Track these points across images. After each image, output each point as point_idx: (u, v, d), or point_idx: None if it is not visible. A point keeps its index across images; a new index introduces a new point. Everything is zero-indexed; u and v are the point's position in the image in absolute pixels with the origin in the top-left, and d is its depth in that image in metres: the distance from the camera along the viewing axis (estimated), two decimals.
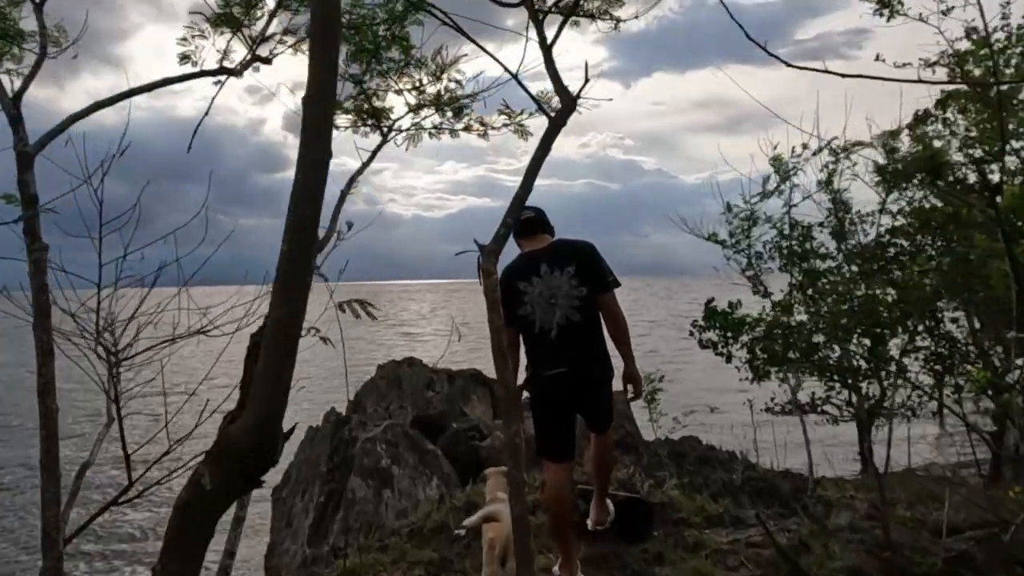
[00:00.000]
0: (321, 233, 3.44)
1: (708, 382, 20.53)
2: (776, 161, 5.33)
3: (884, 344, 9.27)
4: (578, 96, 2.43)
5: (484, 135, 4.46)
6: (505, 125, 4.32)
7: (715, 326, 11.45)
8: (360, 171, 4.55)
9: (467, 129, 4.48)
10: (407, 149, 4.57)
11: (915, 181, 6.15)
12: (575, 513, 3.75)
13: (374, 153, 4.58)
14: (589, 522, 3.92)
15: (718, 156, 6.23)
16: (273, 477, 10.98)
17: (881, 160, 6.45)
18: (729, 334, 10.48)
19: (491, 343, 2.26)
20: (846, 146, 5.11)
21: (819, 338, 5.17)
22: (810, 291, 7.02)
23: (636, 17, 3.15)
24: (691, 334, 12.04)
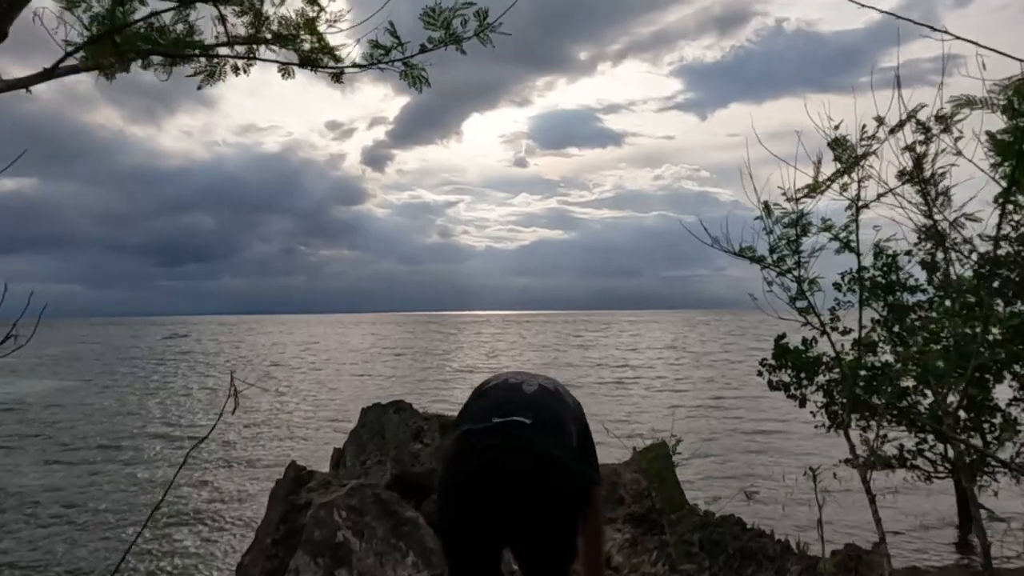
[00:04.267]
0: None
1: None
2: (838, 144, 3.62)
3: (987, 391, 7.31)
4: None
5: (338, 78, 2.98)
6: (375, 64, 2.85)
7: (787, 365, 9.62)
8: None
9: (309, 63, 2.97)
10: (200, 87, 3.14)
11: None
12: None
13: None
14: None
15: (797, 184, 4.64)
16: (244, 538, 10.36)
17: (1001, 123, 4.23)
18: (803, 375, 8.69)
19: None
20: (944, 114, 3.32)
21: (908, 382, 3.83)
22: (896, 328, 5.37)
23: None
24: (759, 374, 10.23)
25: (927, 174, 3.03)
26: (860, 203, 3.52)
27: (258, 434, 20.64)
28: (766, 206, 3.62)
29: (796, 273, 3.71)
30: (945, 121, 3.12)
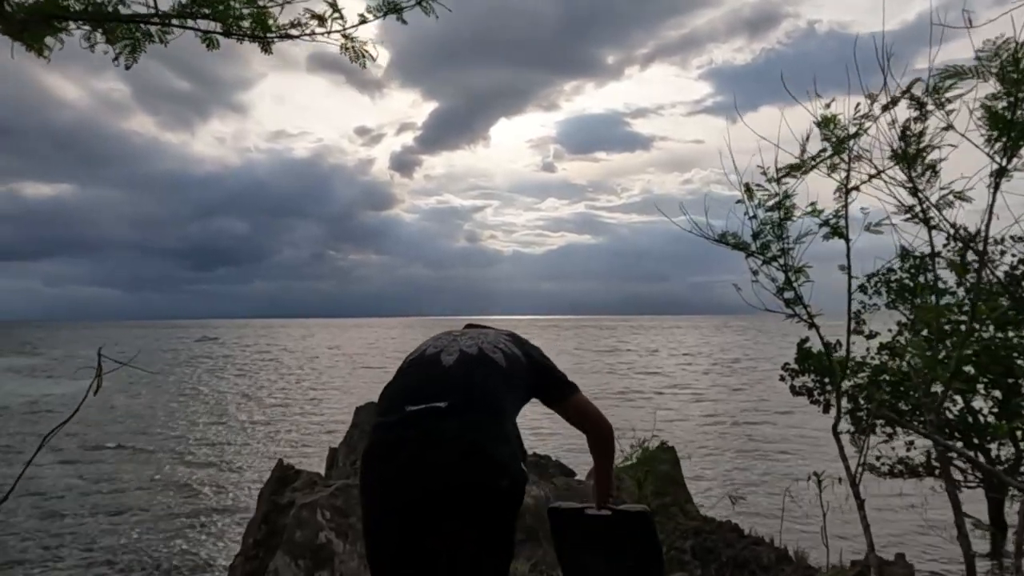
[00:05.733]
0: None
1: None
2: (827, 123, 3.30)
3: (1020, 396, 6.92)
4: None
5: (266, 46, 2.75)
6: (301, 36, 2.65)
7: (809, 370, 9.26)
8: None
9: (232, 34, 2.74)
10: (120, 64, 2.90)
11: None
12: None
13: None
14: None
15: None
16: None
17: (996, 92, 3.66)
18: (827, 380, 8.43)
19: None
20: (939, 86, 2.99)
21: (936, 387, 3.57)
22: (924, 332, 5.06)
23: None
24: (782, 379, 9.85)
25: (911, 148, 2.74)
26: (849, 186, 3.25)
27: (272, 432, 20.72)
28: (747, 188, 3.37)
29: (782, 261, 3.46)
30: (938, 93, 2.86)
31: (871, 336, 8.21)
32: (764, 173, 3.27)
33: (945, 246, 3.71)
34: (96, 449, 18.57)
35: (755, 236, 3.50)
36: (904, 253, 8.17)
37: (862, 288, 8.19)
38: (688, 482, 8.01)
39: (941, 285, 6.03)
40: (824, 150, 3.13)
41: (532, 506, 5.60)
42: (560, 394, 2.21)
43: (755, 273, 3.62)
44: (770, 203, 3.38)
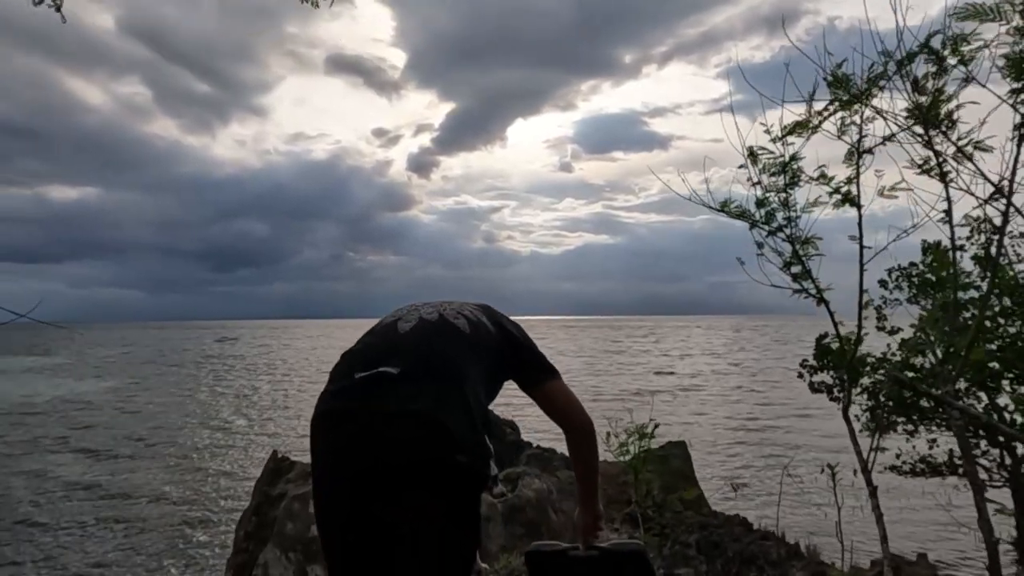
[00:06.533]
0: None
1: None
2: (839, 83, 3.01)
3: None
4: None
5: None
6: None
7: (828, 367, 8.98)
8: None
9: None
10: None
11: None
12: None
13: None
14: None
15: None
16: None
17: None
18: (846, 376, 8.18)
19: None
20: (958, 34, 2.69)
21: (959, 384, 3.33)
22: (947, 328, 4.78)
23: None
24: (800, 376, 9.60)
25: (925, 99, 2.49)
26: (862, 149, 3.00)
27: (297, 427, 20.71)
28: (751, 152, 3.12)
29: (788, 232, 3.21)
30: (956, 43, 2.61)
31: (893, 332, 7.93)
32: (768, 132, 3.02)
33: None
34: (112, 447, 18.65)
35: (759, 204, 3.26)
36: (927, 247, 7.83)
37: (883, 283, 7.89)
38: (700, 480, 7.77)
39: (964, 279, 5.76)
40: (832, 102, 2.88)
41: (533, 499, 5.39)
42: (535, 378, 1.96)
43: (760, 246, 3.38)
44: (774, 168, 3.14)
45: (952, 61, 2.71)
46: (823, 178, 3.12)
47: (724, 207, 3.26)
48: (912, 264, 8.13)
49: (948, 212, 2.58)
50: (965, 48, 2.63)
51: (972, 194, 2.47)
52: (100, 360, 54.08)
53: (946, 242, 3.45)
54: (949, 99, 2.54)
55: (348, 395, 1.67)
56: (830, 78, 3.05)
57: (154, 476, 15.29)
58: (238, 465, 16.06)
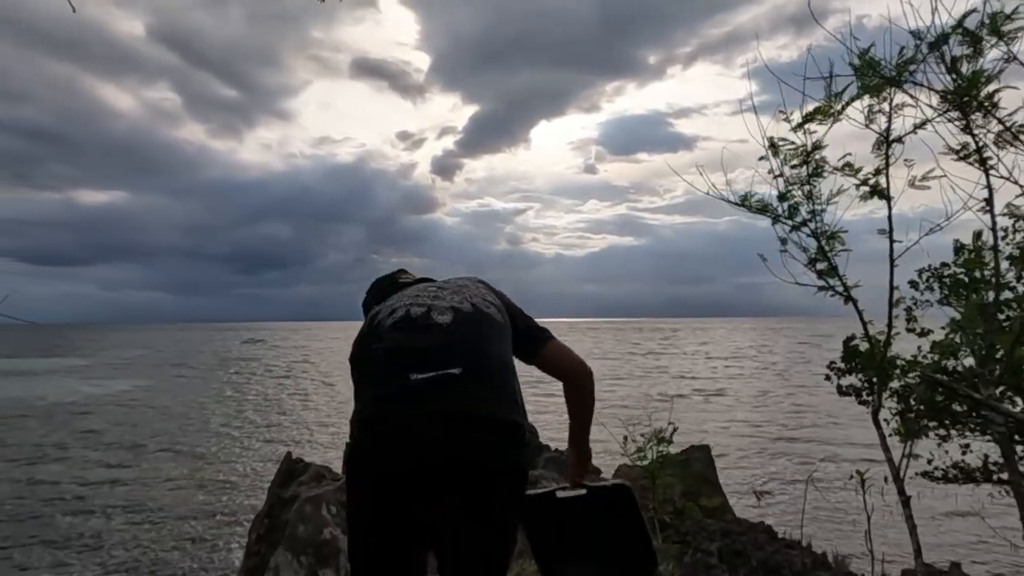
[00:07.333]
0: None
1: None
2: (869, 69, 2.82)
3: None
4: None
5: None
6: None
7: (857, 369, 8.76)
8: None
9: None
10: None
11: None
12: None
13: None
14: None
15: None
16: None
17: None
18: (875, 379, 7.92)
19: None
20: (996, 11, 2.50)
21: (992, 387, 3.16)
22: (980, 330, 4.57)
23: None
24: (827, 378, 9.36)
25: (962, 82, 2.31)
26: (891, 138, 2.82)
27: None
28: (771, 142, 2.95)
29: (812, 226, 3.04)
30: (995, 20, 2.43)
31: (923, 333, 7.68)
32: (787, 119, 2.85)
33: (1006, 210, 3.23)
34: (132, 448, 18.86)
35: (781, 198, 3.09)
36: (959, 247, 7.58)
37: (913, 284, 7.65)
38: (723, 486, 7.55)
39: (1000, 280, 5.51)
40: (858, 86, 2.70)
41: None
42: (538, 346, 1.94)
43: (783, 242, 3.21)
44: (795, 160, 2.97)
45: (991, 41, 2.52)
46: (848, 168, 2.94)
47: (744, 201, 3.10)
48: (944, 264, 7.86)
49: (989, 200, 2.40)
50: (1008, 27, 2.44)
51: (1015, 182, 2.29)
52: (124, 361, 55.06)
53: (986, 234, 3.25)
54: (989, 80, 2.36)
55: (413, 398, 1.59)
56: (857, 62, 2.87)
57: (174, 471, 15.44)
58: (250, 468, 16.13)
